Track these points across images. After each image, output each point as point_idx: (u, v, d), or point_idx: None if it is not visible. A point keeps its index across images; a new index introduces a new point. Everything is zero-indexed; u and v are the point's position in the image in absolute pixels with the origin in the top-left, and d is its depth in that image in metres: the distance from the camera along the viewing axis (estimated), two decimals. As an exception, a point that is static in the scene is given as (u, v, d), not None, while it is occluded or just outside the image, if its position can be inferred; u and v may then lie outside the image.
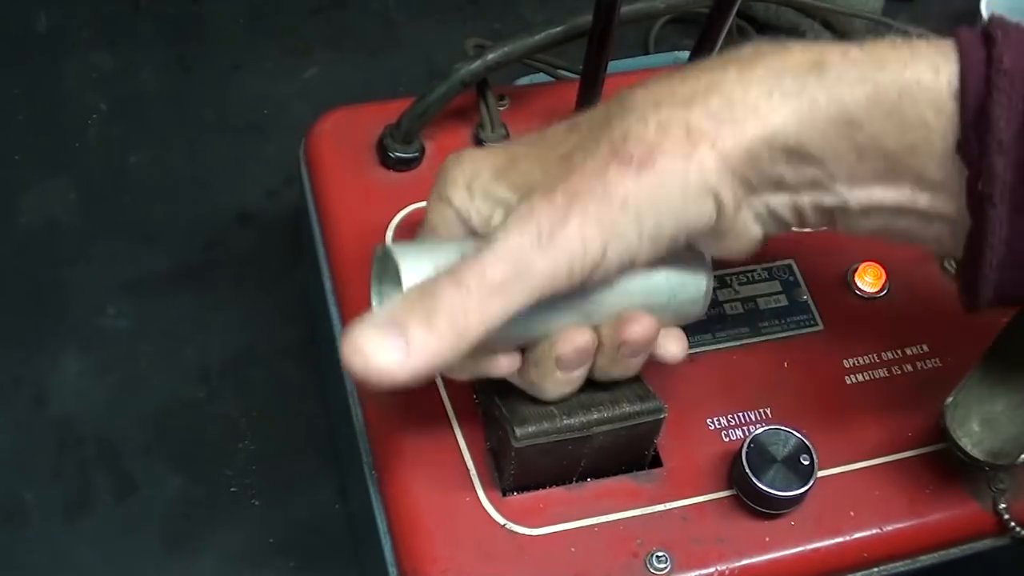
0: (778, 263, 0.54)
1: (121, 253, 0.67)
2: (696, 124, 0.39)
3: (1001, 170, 0.37)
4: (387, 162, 0.55)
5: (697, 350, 0.51)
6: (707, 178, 0.39)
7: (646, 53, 0.78)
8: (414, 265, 0.40)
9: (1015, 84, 0.37)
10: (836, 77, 0.39)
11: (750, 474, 0.45)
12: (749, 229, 0.42)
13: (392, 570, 0.46)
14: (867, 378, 0.51)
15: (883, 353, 0.52)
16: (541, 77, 0.62)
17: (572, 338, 0.42)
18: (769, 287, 0.54)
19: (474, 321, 0.38)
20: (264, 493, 0.60)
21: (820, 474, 0.46)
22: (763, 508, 0.46)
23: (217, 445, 0.61)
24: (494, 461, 0.47)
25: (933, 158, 0.39)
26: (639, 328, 0.43)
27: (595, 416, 0.44)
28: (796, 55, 0.40)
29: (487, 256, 0.38)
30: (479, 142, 0.56)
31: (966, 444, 0.46)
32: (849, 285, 0.54)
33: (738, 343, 0.52)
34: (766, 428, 0.46)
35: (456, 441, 0.47)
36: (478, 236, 0.42)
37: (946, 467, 0.48)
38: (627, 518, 0.46)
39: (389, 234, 0.53)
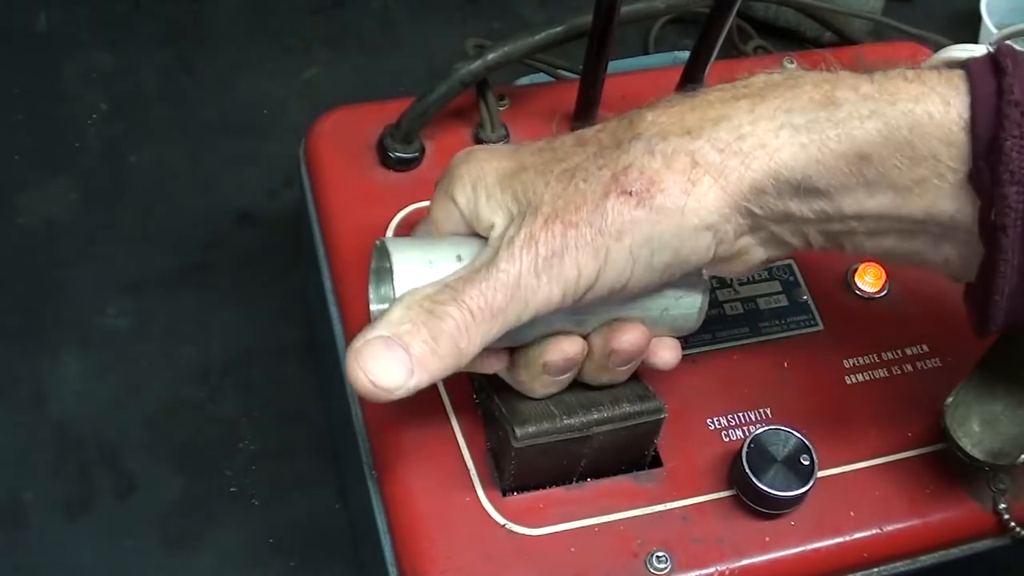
0: (778, 263, 0.54)
1: (121, 253, 0.67)
2: (702, 156, 0.40)
3: (1014, 200, 0.37)
4: (387, 162, 0.55)
5: (697, 350, 0.51)
6: (705, 216, 0.40)
7: (646, 53, 0.78)
8: (407, 267, 0.41)
9: None
10: (847, 113, 0.39)
11: (750, 474, 0.45)
12: (752, 254, 0.43)
13: (392, 570, 0.46)
14: (867, 378, 0.51)
15: (883, 353, 0.52)
16: (541, 77, 0.62)
17: (561, 347, 0.43)
18: (769, 287, 0.54)
19: (475, 342, 0.40)
20: (264, 493, 0.60)
21: (820, 474, 0.46)
22: (763, 508, 0.46)
23: (217, 445, 0.61)
24: (494, 461, 0.47)
25: (943, 189, 0.39)
26: (629, 338, 0.43)
27: (595, 416, 0.44)
28: (807, 89, 0.40)
29: (491, 282, 0.40)
30: (479, 142, 0.56)
31: (966, 444, 0.46)
32: (849, 285, 0.54)
33: (738, 343, 0.52)
34: (766, 428, 0.46)
35: (456, 441, 0.47)
36: (475, 236, 0.43)
37: (946, 467, 0.48)
38: (627, 518, 0.46)
39: (389, 234, 0.53)
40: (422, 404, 0.48)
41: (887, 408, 0.50)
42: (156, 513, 0.59)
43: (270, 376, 0.64)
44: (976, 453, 0.45)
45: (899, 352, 0.52)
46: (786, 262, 0.54)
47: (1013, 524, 0.47)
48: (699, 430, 0.49)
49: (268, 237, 0.69)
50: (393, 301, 0.40)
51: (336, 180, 0.54)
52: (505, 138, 0.56)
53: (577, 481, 0.47)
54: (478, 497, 0.46)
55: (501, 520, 0.45)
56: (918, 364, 0.52)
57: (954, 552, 0.49)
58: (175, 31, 0.78)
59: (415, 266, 0.41)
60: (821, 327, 0.53)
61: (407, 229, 0.52)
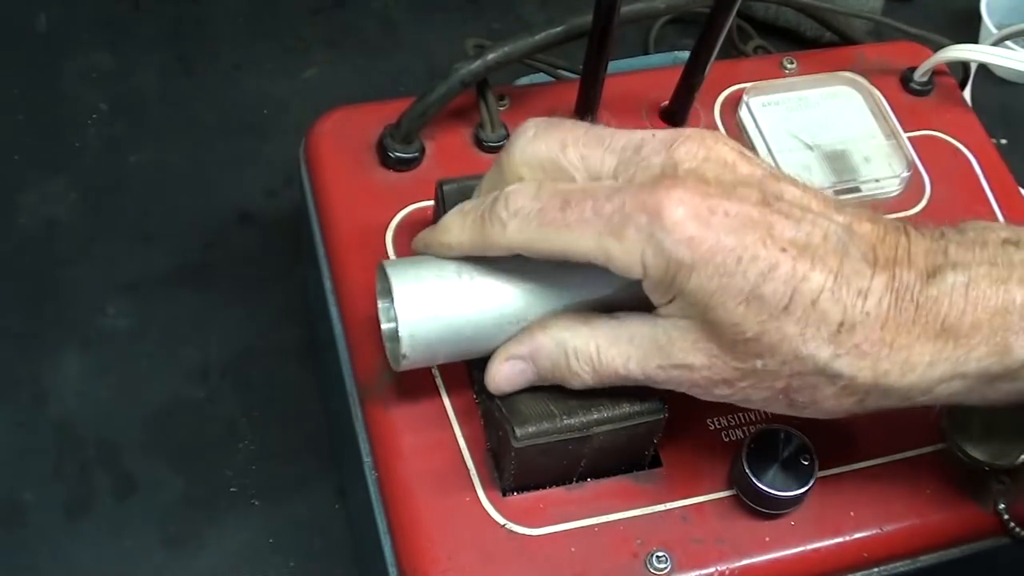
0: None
1: (121, 253, 0.67)
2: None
3: None
4: (387, 162, 0.55)
5: (697, 350, 0.51)
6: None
7: (646, 53, 0.78)
8: (406, 290, 0.43)
9: None
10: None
11: (750, 474, 0.45)
12: None
13: (392, 570, 0.46)
14: (867, 378, 0.51)
15: (883, 353, 0.52)
16: (541, 77, 0.62)
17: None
18: (769, 287, 0.53)
19: None
20: (264, 493, 0.60)
21: (820, 474, 0.46)
22: (763, 508, 0.46)
23: (217, 445, 0.61)
24: (494, 461, 0.47)
25: None
26: None
27: (595, 416, 0.44)
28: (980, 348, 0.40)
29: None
30: (479, 142, 0.56)
31: (966, 444, 0.46)
32: (849, 285, 0.53)
33: (738, 343, 0.52)
34: (766, 428, 0.46)
35: (456, 441, 0.47)
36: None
37: (946, 467, 0.48)
38: (627, 518, 0.46)
39: (389, 234, 0.53)
40: (422, 404, 0.48)
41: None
42: (156, 513, 0.59)
43: (270, 376, 0.64)
44: (976, 453, 0.45)
45: (899, 352, 0.52)
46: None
47: (1013, 524, 0.47)
48: (699, 430, 0.49)
49: (268, 237, 0.69)
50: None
51: (336, 180, 0.54)
52: (505, 138, 0.56)
53: (577, 481, 0.47)
54: (478, 497, 0.46)
55: (501, 520, 0.45)
56: (918, 364, 0.52)
57: (954, 552, 0.48)
58: (175, 31, 0.78)
59: (413, 287, 0.43)
60: (821, 327, 0.52)
61: (407, 229, 0.52)
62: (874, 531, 0.47)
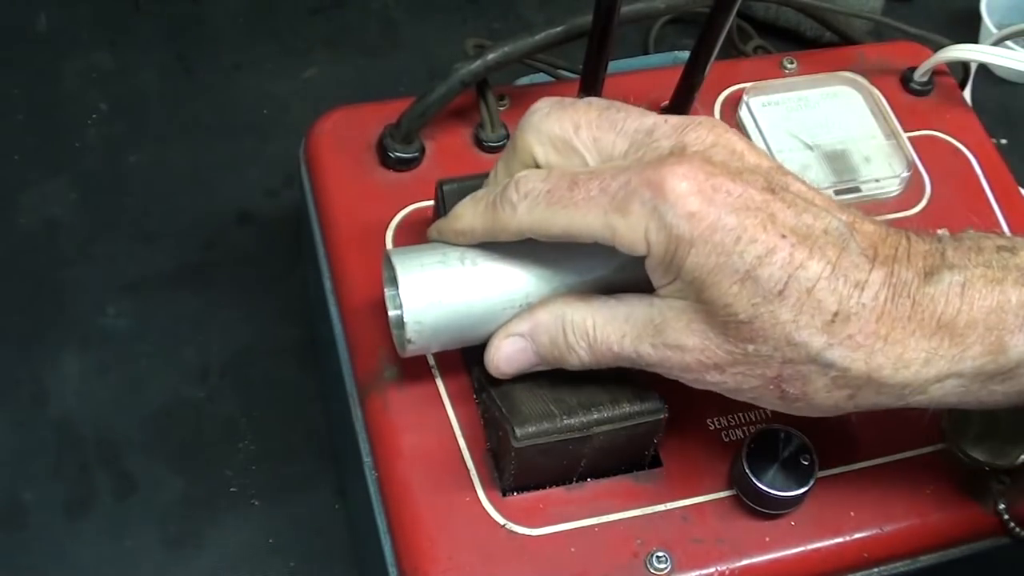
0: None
1: (121, 253, 0.67)
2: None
3: None
4: (387, 162, 0.55)
5: (697, 350, 0.51)
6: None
7: (646, 53, 0.78)
8: (410, 278, 0.43)
9: None
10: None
11: (750, 474, 0.45)
12: None
13: (392, 570, 0.46)
14: (867, 378, 0.51)
15: (883, 353, 0.52)
16: (541, 77, 0.62)
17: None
18: (769, 287, 0.53)
19: None
20: (264, 493, 0.60)
21: (820, 474, 0.46)
22: (763, 508, 0.46)
23: (217, 445, 0.61)
24: (494, 461, 0.47)
25: None
26: None
27: (595, 416, 0.44)
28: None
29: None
30: (479, 142, 0.56)
31: (966, 444, 0.46)
32: (849, 285, 0.53)
33: (738, 343, 0.52)
34: (766, 428, 0.46)
35: (456, 441, 0.47)
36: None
37: (946, 467, 0.48)
38: (627, 518, 0.46)
39: (389, 234, 0.53)
40: (422, 405, 0.48)
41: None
42: (156, 513, 0.59)
43: (270, 376, 0.64)
44: (976, 453, 0.45)
45: (899, 352, 0.52)
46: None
47: (1013, 524, 0.47)
48: (699, 430, 0.49)
49: (268, 237, 0.69)
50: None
51: (336, 180, 0.54)
52: (505, 138, 0.56)
53: (577, 481, 0.47)
54: (478, 497, 0.46)
55: (501, 520, 0.45)
56: (918, 364, 0.52)
57: (954, 552, 0.48)
58: (175, 31, 0.78)
59: (418, 275, 0.43)
60: (821, 327, 0.52)
61: (407, 229, 0.52)
62: (874, 531, 0.47)
